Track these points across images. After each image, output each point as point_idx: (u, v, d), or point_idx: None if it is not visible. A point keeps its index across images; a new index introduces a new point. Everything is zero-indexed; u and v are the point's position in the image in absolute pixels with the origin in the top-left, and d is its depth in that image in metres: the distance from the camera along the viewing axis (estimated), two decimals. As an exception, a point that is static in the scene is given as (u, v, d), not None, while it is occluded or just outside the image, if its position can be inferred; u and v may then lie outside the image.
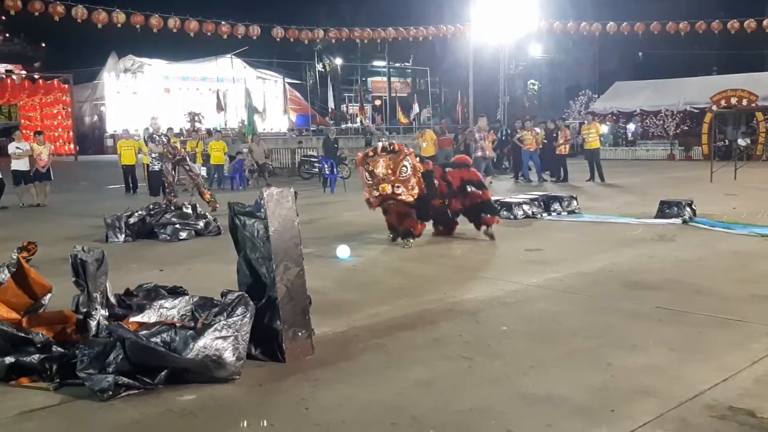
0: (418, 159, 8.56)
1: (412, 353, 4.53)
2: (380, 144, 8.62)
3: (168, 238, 9.52)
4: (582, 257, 7.70)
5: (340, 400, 3.79)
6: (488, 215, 8.89)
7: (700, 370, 4.10)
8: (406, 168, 8.11)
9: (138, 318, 4.28)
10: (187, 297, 4.50)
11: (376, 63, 51.44)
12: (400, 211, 8.46)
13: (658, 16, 29.71)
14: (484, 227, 8.89)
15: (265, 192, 4.44)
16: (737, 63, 32.10)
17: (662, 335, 4.79)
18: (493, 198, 10.84)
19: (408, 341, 4.79)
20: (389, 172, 8.10)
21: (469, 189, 8.82)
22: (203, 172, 18.78)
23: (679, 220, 9.89)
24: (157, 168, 12.51)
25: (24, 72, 37.39)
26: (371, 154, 8.36)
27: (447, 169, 8.94)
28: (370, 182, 8.28)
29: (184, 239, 9.53)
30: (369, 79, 53.68)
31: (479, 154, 15.61)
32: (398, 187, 8.11)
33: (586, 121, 19.67)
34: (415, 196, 8.24)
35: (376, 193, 8.21)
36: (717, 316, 5.21)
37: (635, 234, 9.14)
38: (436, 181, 8.60)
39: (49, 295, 4.95)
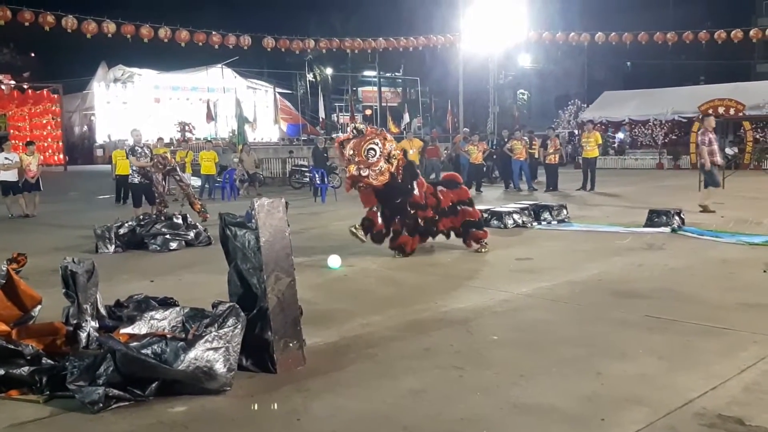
0: (400, 151, 8.31)
1: (403, 363, 4.55)
2: (354, 126, 8.51)
3: (158, 248, 9.49)
4: (572, 266, 7.74)
5: (332, 411, 3.79)
6: (477, 230, 8.84)
7: (689, 378, 4.13)
8: (374, 151, 7.95)
9: (128, 329, 4.28)
10: (177, 308, 4.50)
11: (366, 73, 51.56)
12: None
13: (646, 26, 29.93)
14: (476, 244, 8.79)
15: (256, 202, 4.45)
16: (724, 73, 32.42)
17: (651, 344, 4.83)
18: (482, 207, 10.94)
19: (399, 351, 4.80)
20: (355, 153, 8.03)
21: (459, 208, 8.79)
22: (197, 182, 18.77)
23: (668, 229, 9.96)
24: (137, 180, 12.45)
25: (13, 82, 37.19)
26: (349, 137, 8.31)
27: (438, 188, 8.88)
28: (344, 166, 8.33)
29: (174, 250, 9.51)
30: (360, 89, 53.79)
31: (705, 161, 12.35)
32: (364, 169, 7.94)
33: (585, 130, 19.52)
34: (384, 182, 8.05)
35: (347, 175, 8.22)
36: (705, 325, 5.25)
37: (624, 243, 9.19)
38: (422, 189, 8.47)
39: (38, 306, 4.93)
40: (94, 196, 19.75)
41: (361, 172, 7.96)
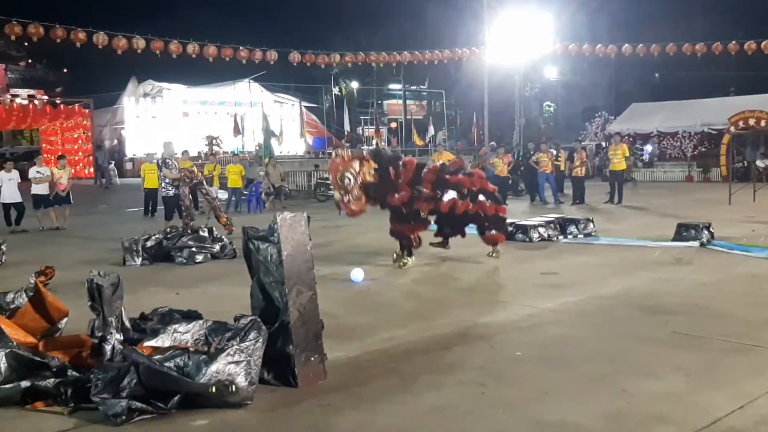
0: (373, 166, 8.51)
1: (425, 378, 4.52)
2: (335, 152, 8.95)
3: (184, 261, 9.58)
4: (598, 281, 7.64)
5: (352, 426, 3.78)
6: (494, 231, 8.84)
7: (716, 396, 4.05)
8: (349, 179, 8.31)
9: (152, 342, 4.31)
10: (200, 321, 4.52)
11: (391, 86, 51.72)
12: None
13: (674, 37, 29.65)
14: (490, 247, 8.81)
15: (278, 216, 4.48)
16: (755, 84, 31.88)
17: (678, 361, 4.74)
18: (508, 221, 10.89)
19: (421, 366, 4.78)
20: (336, 180, 8.45)
21: (481, 197, 8.81)
22: (224, 195, 18.96)
23: (696, 243, 9.80)
24: (171, 193, 12.59)
25: (46, 97, 38.03)
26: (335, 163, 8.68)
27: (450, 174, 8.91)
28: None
29: (200, 262, 9.59)
30: (385, 102, 53.98)
31: None
32: (345, 195, 8.37)
33: (613, 142, 19.31)
34: (362, 207, 8.47)
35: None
36: (734, 341, 5.14)
37: (652, 257, 9.06)
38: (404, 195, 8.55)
39: (65, 319, 5.00)
40: (123, 209, 20.03)
41: (343, 198, 8.42)
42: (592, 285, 7.39)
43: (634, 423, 3.71)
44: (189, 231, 10.25)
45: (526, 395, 4.17)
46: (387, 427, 3.76)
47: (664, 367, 4.61)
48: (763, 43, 27.25)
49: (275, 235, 4.45)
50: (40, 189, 14.69)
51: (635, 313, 6.13)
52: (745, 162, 24.67)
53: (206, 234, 10.14)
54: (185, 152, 17.25)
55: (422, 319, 6.09)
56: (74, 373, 4.21)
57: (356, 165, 8.35)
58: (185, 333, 4.36)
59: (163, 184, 12.90)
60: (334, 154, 8.85)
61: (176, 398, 3.90)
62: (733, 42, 28.14)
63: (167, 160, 12.47)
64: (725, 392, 4.10)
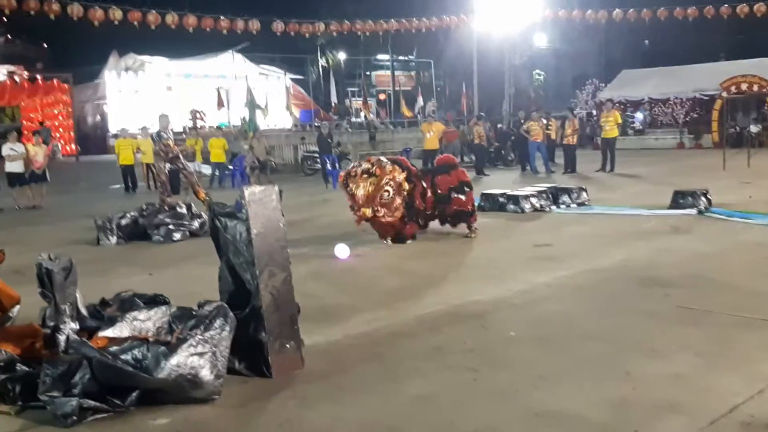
0: (402, 173, 8.13)
1: (411, 364, 4.15)
2: (361, 166, 8.27)
3: (161, 239, 9.16)
4: (593, 252, 7.28)
5: (329, 421, 3.41)
6: (467, 218, 8.55)
7: (730, 379, 3.70)
8: (389, 192, 7.93)
9: (109, 332, 3.90)
10: (164, 308, 4.11)
11: (379, 56, 50.82)
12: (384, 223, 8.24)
13: (665, 2, 29.05)
14: (467, 229, 8.51)
15: (246, 190, 4.06)
16: (747, 48, 31.35)
17: (685, 338, 4.39)
18: (498, 191, 10.61)
19: (407, 350, 4.41)
20: (370, 196, 7.94)
21: (453, 196, 8.47)
22: (208, 170, 18.47)
23: (694, 211, 9.45)
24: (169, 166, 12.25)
25: (26, 73, 37.03)
26: (353, 174, 8.14)
27: (436, 177, 8.59)
28: (351, 203, 8.20)
29: (177, 240, 9.17)
30: (373, 73, 53.08)
31: None
32: (379, 210, 7.97)
33: (604, 109, 18.90)
34: (400, 217, 8.08)
35: (359, 214, 8.08)
36: (743, 315, 4.80)
37: (648, 226, 8.70)
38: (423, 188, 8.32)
39: (17, 306, 4.58)
40: (105, 185, 19.49)
41: (377, 213, 7.95)
42: (588, 257, 7.03)
43: (642, 412, 3.35)
44: (166, 207, 9.80)
45: (520, 381, 3.81)
46: (366, 421, 3.39)
47: (670, 345, 4.26)
48: (756, 6, 26.70)
49: (243, 211, 4.04)
50: (14, 167, 14.15)
51: (634, 287, 5.77)
52: (737, 128, 24.30)
53: (184, 210, 9.70)
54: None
55: (409, 297, 5.71)
56: (23, 367, 3.81)
57: (392, 175, 7.96)
58: (146, 321, 3.96)
59: (155, 159, 12.53)
60: (361, 170, 8.11)
61: (134, 395, 3.52)
62: (725, 5, 27.58)
63: (161, 134, 11.98)
64: (740, 374, 3.75)
